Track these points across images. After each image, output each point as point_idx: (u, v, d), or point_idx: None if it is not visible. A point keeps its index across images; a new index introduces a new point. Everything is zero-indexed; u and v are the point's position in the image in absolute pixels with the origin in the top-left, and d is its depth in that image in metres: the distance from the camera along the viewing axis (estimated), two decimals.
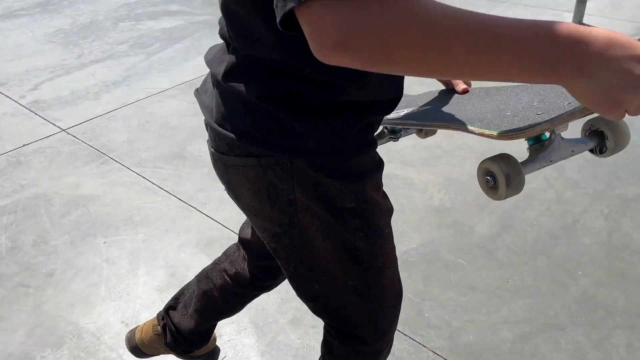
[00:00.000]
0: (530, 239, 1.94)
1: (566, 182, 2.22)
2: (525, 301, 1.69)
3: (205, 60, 0.80)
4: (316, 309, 0.91)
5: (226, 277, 1.18)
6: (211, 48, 0.82)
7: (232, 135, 0.73)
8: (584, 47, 0.50)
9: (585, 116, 0.71)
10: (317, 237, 0.79)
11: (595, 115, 0.78)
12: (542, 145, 0.80)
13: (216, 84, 0.76)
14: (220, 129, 0.75)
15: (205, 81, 0.84)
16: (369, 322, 0.90)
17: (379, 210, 0.81)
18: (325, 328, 0.98)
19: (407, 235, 1.99)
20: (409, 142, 2.57)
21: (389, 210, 0.85)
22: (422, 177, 2.32)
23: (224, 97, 0.74)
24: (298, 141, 0.71)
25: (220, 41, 0.78)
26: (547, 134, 0.80)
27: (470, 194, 2.19)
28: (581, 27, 0.51)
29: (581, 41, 0.50)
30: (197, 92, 0.85)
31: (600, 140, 0.83)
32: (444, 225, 2.03)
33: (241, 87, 0.71)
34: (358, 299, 0.86)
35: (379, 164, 0.81)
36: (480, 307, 1.68)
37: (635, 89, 0.50)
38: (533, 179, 2.22)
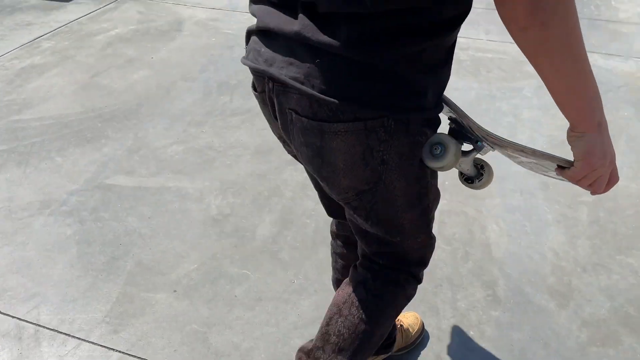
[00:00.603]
0: (310, 231, 1.92)
1: None
2: (311, 300, 1.66)
3: (287, 29, 0.79)
4: (380, 252, 1.02)
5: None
6: (274, 15, 0.82)
7: (337, 101, 0.76)
8: (604, 123, 0.78)
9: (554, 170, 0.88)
10: (398, 187, 0.88)
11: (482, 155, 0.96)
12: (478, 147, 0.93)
13: (323, 53, 0.76)
14: (323, 96, 0.77)
15: (282, 52, 0.82)
16: (419, 256, 1.05)
17: None
18: (383, 269, 1.05)
19: (186, 256, 1.82)
20: (179, 147, 2.37)
21: None
22: (196, 184, 2.16)
23: (335, 65, 0.76)
24: (422, 99, 0.78)
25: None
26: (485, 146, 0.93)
27: (248, 195, 2.10)
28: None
29: (604, 121, 0.78)
30: (272, 66, 0.83)
31: (479, 173, 1.01)
32: (225, 235, 1.91)
33: (364, 54, 0.74)
34: (417, 232, 0.99)
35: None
36: (269, 319, 1.60)
37: (607, 163, 0.80)
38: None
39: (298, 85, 0.79)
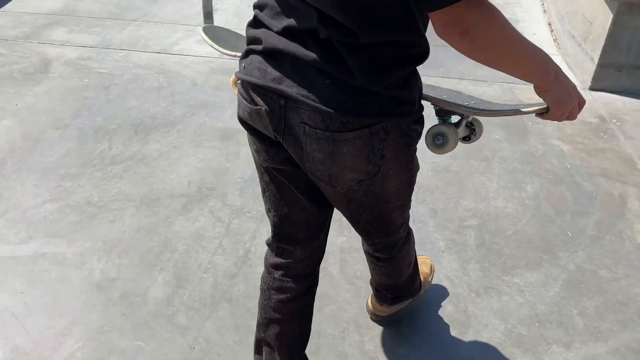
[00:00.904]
0: (208, 287, 1.82)
1: (232, 210, 2.19)
2: None
3: (299, 53, 0.96)
4: (370, 231, 1.25)
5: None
6: (281, 39, 0.99)
7: (347, 116, 0.97)
8: (559, 71, 1.00)
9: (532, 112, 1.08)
10: (391, 174, 1.08)
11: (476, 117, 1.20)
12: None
13: (331, 77, 0.95)
14: (334, 112, 0.96)
15: (292, 72, 0.98)
16: (402, 230, 1.32)
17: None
18: (371, 250, 1.41)
19: (68, 333, 1.63)
20: (52, 205, 2.15)
21: None
22: (75, 247, 1.96)
23: (343, 87, 0.95)
24: (412, 107, 1.01)
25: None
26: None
27: (136, 253, 1.95)
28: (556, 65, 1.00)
29: (558, 69, 1.00)
30: (281, 84, 0.99)
31: (472, 130, 1.23)
32: (112, 304, 1.74)
33: (365, 81, 0.94)
34: (401, 212, 1.23)
35: None
36: None
37: (574, 97, 1.03)
38: (200, 217, 2.12)
39: (312, 102, 0.97)
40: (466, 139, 1.25)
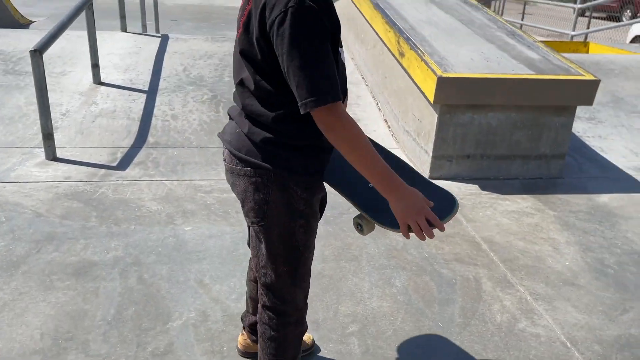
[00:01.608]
0: None
1: None
2: None
3: (229, 113, 1.47)
4: (264, 287, 1.52)
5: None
6: (233, 106, 1.48)
7: (241, 156, 1.38)
8: (400, 188, 1.26)
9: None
10: (275, 226, 1.41)
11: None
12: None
13: (241, 128, 1.40)
14: (235, 151, 1.39)
15: (228, 125, 1.48)
16: (292, 299, 1.53)
17: (314, 216, 1.46)
18: (262, 307, 1.56)
19: None
20: None
21: (319, 217, 1.51)
22: None
23: (242, 137, 1.38)
24: (298, 169, 1.36)
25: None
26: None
27: None
28: (399, 179, 1.26)
29: (399, 186, 1.26)
30: (221, 132, 1.50)
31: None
32: None
33: (261, 132, 1.35)
34: (289, 280, 1.49)
35: (322, 185, 1.45)
36: None
37: (411, 216, 1.25)
38: None
39: (226, 144, 1.43)
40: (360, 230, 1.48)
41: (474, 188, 3.54)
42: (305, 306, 1.59)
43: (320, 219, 1.54)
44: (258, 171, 1.35)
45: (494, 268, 2.64)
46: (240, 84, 1.37)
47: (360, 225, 1.42)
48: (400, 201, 1.25)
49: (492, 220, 3.12)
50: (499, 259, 2.73)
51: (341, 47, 1.35)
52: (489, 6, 17.98)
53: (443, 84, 3.37)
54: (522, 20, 12.94)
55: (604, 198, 3.48)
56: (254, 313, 1.81)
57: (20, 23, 9.08)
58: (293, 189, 1.37)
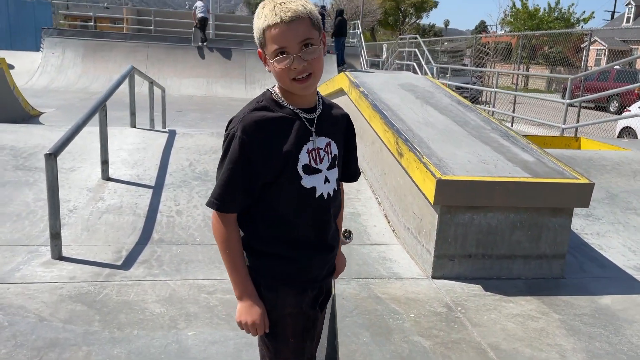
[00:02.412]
0: None
1: None
2: None
3: None
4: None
5: None
6: None
7: None
8: (243, 295, 1.59)
9: None
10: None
11: None
12: None
13: None
14: None
15: None
16: None
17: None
18: None
19: None
20: None
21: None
22: None
23: None
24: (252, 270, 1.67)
25: None
26: None
27: None
28: (249, 289, 1.60)
29: (243, 294, 1.59)
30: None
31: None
32: None
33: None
34: (267, 354, 1.69)
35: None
36: None
37: (240, 318, 1.59)
38: None
39: None
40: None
41: (477, 289, 3.55)
42: None
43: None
44: None
45: None
46: None
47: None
48: (240, 305, 1.58)
49: (497, 324, 3.11)
50: None
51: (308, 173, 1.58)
52: (480, 97, 18.78)
53: (443, 186, 3.48)
54: (514, 111, 13.47)
55: (607, 300, 3.48)
56: None
57: (31, 114, 9.42)
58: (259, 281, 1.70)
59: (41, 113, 9.82)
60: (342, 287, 3.42)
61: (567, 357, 2.82)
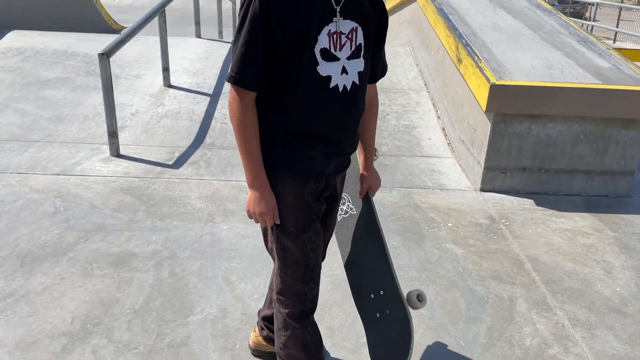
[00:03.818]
0: None
1: (117, 348, 2.06)
2: None
3: None
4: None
5: None
6: None
7: None
8: (254, 183, 1.51)
9: None
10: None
11: None
12: None
13: None
14: None
15: None
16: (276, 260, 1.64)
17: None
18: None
19: None
20: None
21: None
22: None
23: None
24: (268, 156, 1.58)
25: None
26: None
27: None
28: (260, 179, 1.51)
29: (255, 182, 1.51)
30: None
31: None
32: None
33: None
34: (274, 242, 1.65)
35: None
36: None
37: (250, 206, 1.53)
38: None
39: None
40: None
41: (528, 203, 3.35)
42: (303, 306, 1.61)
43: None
44: None
45: (534, 289, 2.48)
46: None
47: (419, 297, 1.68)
48: (251, 193, 1.52)
49: (541, 238, 2.93)
50: (541, 279, 2.56)
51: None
52: (585, 12, 16.94)
53: (496, 92, 3.22)
54: (617, 26, 12.06)
55: None
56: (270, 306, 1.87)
57: (114, 29, 9.79)
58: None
59: (123, 27, 10.17)
60: (382, 195, 3.36)
61: (613, 274, 2.62)
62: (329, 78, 1.43)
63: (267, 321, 1.89)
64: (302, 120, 1.47)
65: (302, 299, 1.57)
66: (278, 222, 1.52)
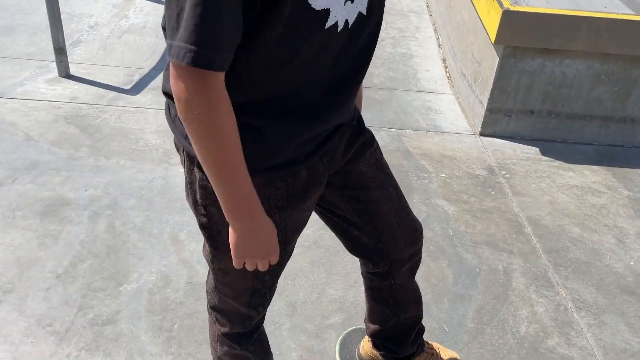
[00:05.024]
0: None
1: (27, 324, 1.71)
2: None
3: None
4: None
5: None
6: None
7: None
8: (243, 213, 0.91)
9: None
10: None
11: None
12: None
13: None
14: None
15: None
16: (213, 314, 1.23)
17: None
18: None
19: None
20: None
21: None
22: None
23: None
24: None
25: None
26: None
27: None
28: (250, 204, 0.90)
29: (243, 212, 0.91)
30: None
31: None
32: None
33: None
34: (216, 284, 1.17)
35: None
36: None
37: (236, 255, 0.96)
38: None
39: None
40: None
41: (532, 152, 2.94)
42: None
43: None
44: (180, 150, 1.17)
45: (534, 259, 2.13)
46: None
47: None
48: (238, 232, 0.94)
49: (545, 195, 2.55)
50: (543, 247, 2.20)
51: None
52: None
53: (509, 19, 2.70)
54: None
55: None
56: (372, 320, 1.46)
57: None
58: (198, 174, 1.08)
59: None
60: None
61: (627, 243, 2.26)
62: (325, 13, 0.86)
63: (379, 338, 1.46)
64: (280, 83, 0.92)
65: (243, 323, 1.18)
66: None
